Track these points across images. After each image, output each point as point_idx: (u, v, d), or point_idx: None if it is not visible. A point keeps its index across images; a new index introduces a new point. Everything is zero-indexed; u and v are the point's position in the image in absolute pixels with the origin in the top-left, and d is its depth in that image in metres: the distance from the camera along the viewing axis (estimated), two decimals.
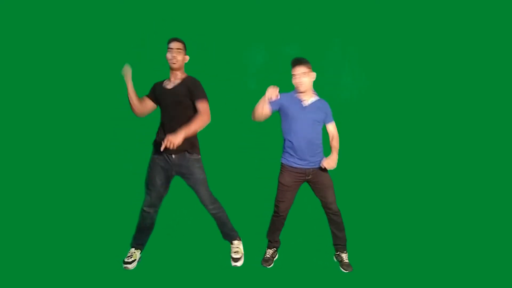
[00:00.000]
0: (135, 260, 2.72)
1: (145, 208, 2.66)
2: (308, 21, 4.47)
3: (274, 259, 2.93)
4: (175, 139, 2.29)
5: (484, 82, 4.41)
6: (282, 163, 2.77)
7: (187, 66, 2.70)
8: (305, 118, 2.62)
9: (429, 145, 4.49)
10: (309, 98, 2.67)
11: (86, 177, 4.14)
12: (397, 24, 4.45)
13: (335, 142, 2.75)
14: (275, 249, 2.95)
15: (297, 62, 2.60)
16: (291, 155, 2.69)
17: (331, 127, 2.77)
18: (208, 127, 2.55)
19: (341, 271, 2.78)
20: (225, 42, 4.31)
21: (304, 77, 2.59)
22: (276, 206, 2.80)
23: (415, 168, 4.47)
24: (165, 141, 2.28)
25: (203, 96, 2.53)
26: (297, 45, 4.42)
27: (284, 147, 2.76)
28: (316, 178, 2.72)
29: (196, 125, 2.43)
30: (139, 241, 2.76)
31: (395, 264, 2.87)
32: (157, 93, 2.63)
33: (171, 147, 2.29)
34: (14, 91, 4.09)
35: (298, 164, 2.68)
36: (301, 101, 2.65)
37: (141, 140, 4.21)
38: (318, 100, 2.71)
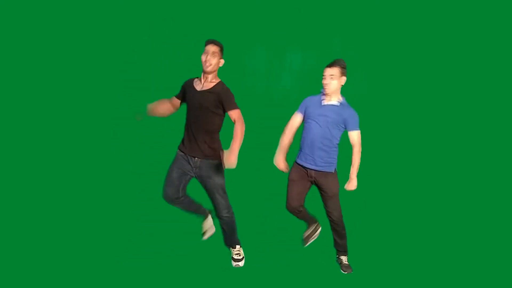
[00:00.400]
0: (206, 231, 2.97)
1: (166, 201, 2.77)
2: (308, 21, 4.47)
3: (317, 231, 2.98)
4: (232, 158, 2.35)
5: (483, 82, 4.41)
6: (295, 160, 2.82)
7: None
8: (319, 116, 2.59)
9: (429, 150, 4.48)
10: (330, 99, 2.62)
11: (86, 178, 4.12)
12: (397, 25, 4.47)
13: (355, 156, 2.62)
14: (315, 224, 2.97)
15: (331, 63, 2.58)
16: (300, 151, 2.72)
17: (354, 135, 2.62)
18: None
19: (341, 272, 2.80)
20: (228, 43, 4.30)
21: (331, 80, 2.56)
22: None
23: (414, 171, 4.47)
24: (225, 164, 2.35)
25: (235, 105, 2.52)
26: (298, 47, 4.42)
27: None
28: (320, 182, 2.69)
29: (241, 136, 2.45)
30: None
31: (395, 266, 2.87)
32: (186, 92, 2.62)
33: (232, 166, 2.36)
34: (23, 91, 4.09)
35: (302, 161, 2.70)
36: (321, 100, 2.63)
37: (141, 140, 4.22)
38: (340, 103, 2.61)
